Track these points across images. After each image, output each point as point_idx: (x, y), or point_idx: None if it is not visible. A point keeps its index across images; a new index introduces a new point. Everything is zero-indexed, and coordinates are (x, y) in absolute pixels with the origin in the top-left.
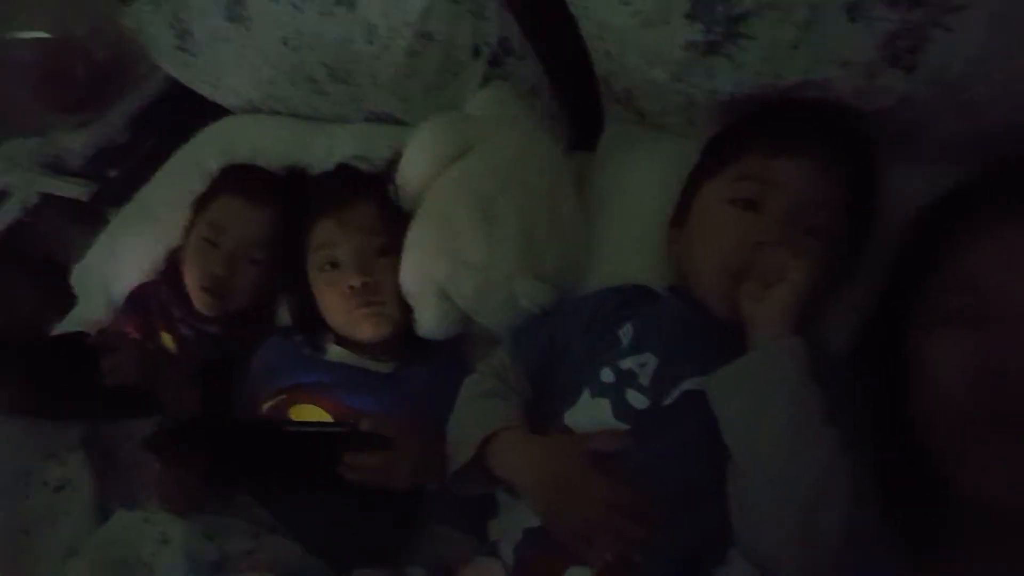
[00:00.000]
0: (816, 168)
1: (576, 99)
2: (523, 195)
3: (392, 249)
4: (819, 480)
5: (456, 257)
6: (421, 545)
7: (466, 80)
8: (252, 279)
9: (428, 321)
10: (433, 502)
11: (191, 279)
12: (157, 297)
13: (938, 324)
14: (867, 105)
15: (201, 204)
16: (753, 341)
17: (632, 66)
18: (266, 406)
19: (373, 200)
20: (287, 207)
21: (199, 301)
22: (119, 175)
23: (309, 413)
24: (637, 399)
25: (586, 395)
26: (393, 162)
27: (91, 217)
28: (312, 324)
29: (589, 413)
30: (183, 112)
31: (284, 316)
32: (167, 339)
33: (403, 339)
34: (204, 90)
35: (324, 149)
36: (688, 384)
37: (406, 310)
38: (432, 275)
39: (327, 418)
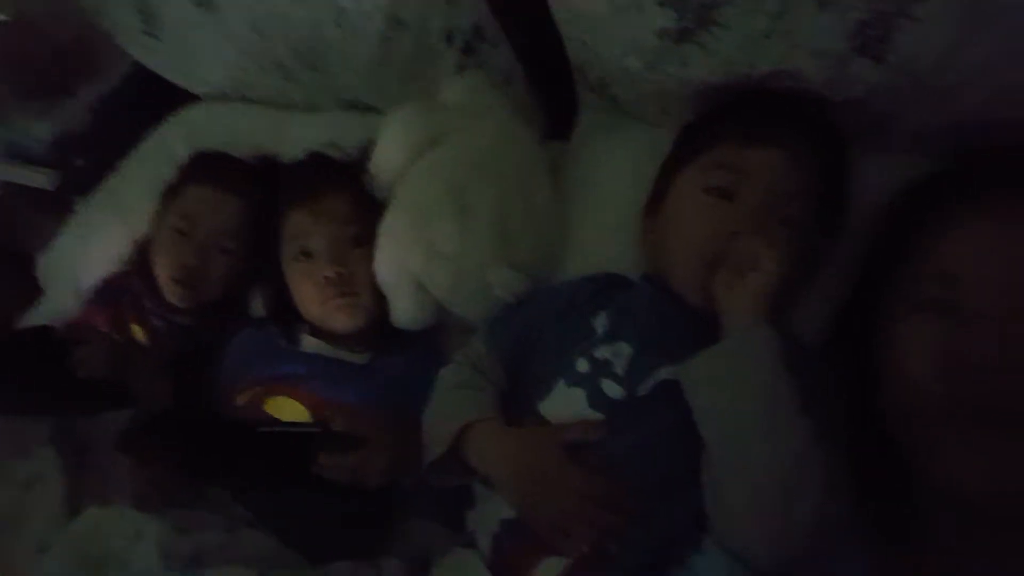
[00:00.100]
0: (789, 158)
1: (550, 88)
2: (497, 184)
3: (366, 239)
4: (792, 469)
5: (430, 247)
6: (398, 537)
7: (439, 68)
8: (224, 269)
9: (403, 311)
10: (409, 494)
11: (162, 270)
12: (127, 288)
13: (909, 313)
14: (838, 95)
15: (170, 193)
16: (726, 330)
17: (606, 54)
18: (240, 399)
19: (346, 189)
20: (259, 196)
21: (171, 292)
22: (85, 164)
23: (284, 406)
24: (612, 389)
25: (561, 385)
26: (366, 150)
27: (57, 207)
28: (286, 315)
29: (564, 403)
30: (150, 99)
31: (258, 307)
32: (138, 331)
33: (378, 330)
34: (171, 76)
35: (296, 137)
36: (663, 373)
37: (381, 300)
38: (407, 265)
39: (302, 411)
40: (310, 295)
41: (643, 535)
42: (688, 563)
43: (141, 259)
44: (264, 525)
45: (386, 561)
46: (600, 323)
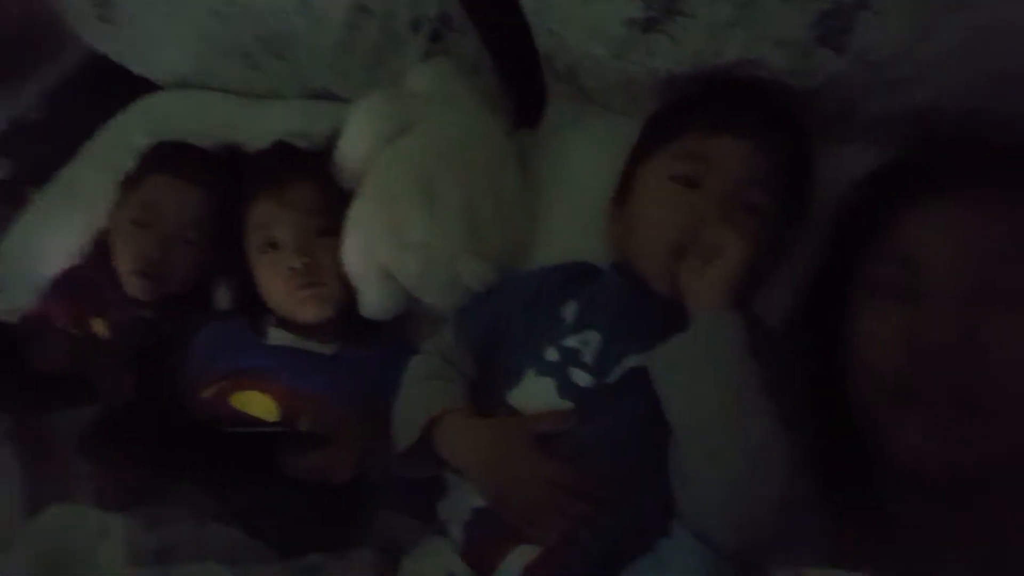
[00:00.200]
0: (754, 146)
1: (519, 76)
2: (465, 173)
3: (333, 228)
4: (756, 452)
5: (398, 235)
6: (369, 528)
7: (406, 56)
8: (187, 261)
9: (372, 301)
10: (379, 486)
11: (123, 263)
12: (86, 281)
13: (870, 297)
14: (801, 84)
15: (130, 184)
16: (692, 317)
17: (574, 43)
18: (206, 393)
19: (312, 178)
20: (222, 186)
21: (132, 285)
22: (39, 152)
23: (251, 399)
24: (581, 377)
25: (530, 374)
26: (332, 139)
27: (11, 197)
28: (252, 307)
29: (533, 392)
30: (109, 86)
31: (224, 300)
32: (99, 325)
33: (346, 320)
34: (128, 63)
35: (261, 126)
36: (632, 360)
37: (349, 291)
38: (375, 254)
39: (270, 404)
40: (276, 286)
41: (613, 522)
42: (656, 546)
43: (100, 251)
44: (233, 519)
45: (357, 552)
46: (569, 312)
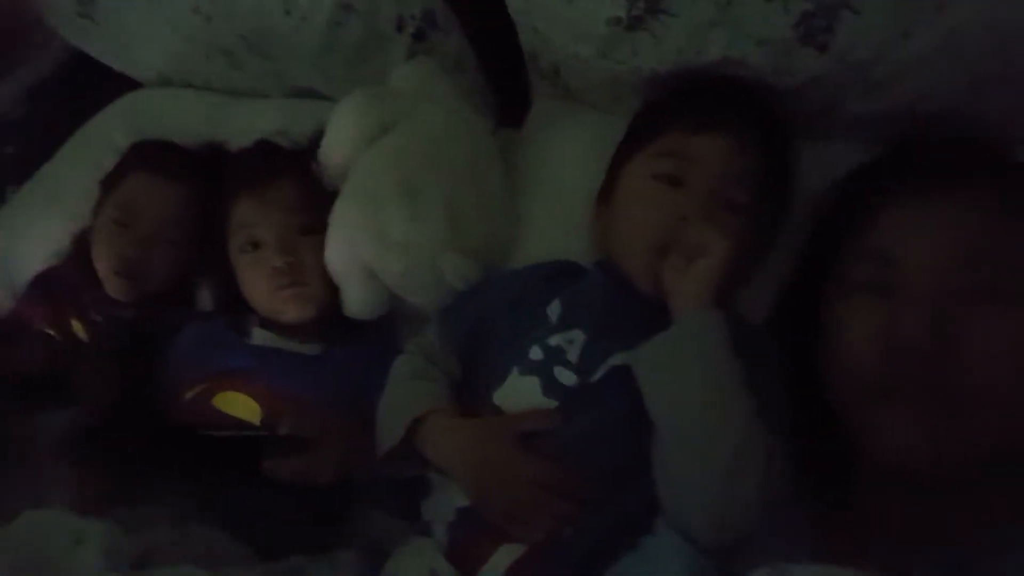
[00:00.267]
0: (736, 144)
1: (503, 75)
2: (448, 171)
3: (316, 228)
4: (736, 448)
5: (382, 234)
6: (352, 529)
7: (390, 54)
8: (168, 261)
9: (355, 300)
10: (363, 486)
11: (102, 263)
12: (65, 282)
13: (848, 293)
14: (783, 83)
15: (110, 183)
16: (675, 316)
17: (558, 42)
18: (189, 395)
19: (295, 177)
20: (204, 185)
21: (112, 286)
22: (16, 151)
23: (234, 400)
24: (566, 376)
25: (515, 373)
26: (315, 138)
27: None
28: (235, 307)
29: (518, 391)
30: (87, 84)
31: (206, 300)
32: (78, 327)
33: (329, 320)
34: (110, 61)
35: (243, 125)
36: (616, 359)
37: (332, 290)
38: (358, 253)
39: (253, 405)
40: (259, 286)
41: (597, 521)
42: (639, 543)
43: (80, 251)
44: (214, 521)
45: (341, 553)
46: (553, 311)
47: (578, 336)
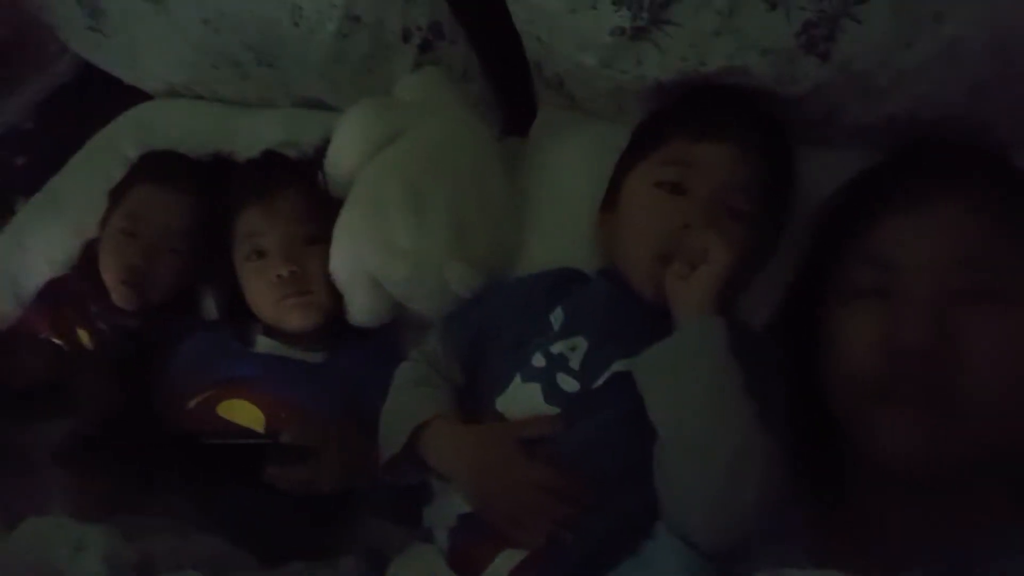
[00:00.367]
0: (738, 152)
1: (508, 84)
2: (453, 180)
3: (321, 237)
4: (737, 453)
5: (386, 243)
6: (354, 535)
7: (397, 65)
8: (173, 270)
9: (359, 308)
10: (365, 492)
11: (108, 272)
12: (72, 291)
13: (848, 298)
14: (786, 91)
15: (118, 193)
16: (678, 323)
17: (562, 51)
18: (193, 403)
19: (301, 187)
20: (210, 195)
21: (118, 295)
22: (27, 163)
23: (238, 409)
24: (568, 383)
25: (517, 380)
26: (321, 148)
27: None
28: (239, 316)
29: (520, 398)
30: (97, 97)
31: (211, 309)
32: (83, 336)
33: (334, 328)
34: (120, 73)
35: (250, 135)
36: (618, 365)
37: (336, 298)
38: (363, 261)
39: (256, 413)
40: (263, 294)
41: (598, 525)
42: (640, 548)
43: (88, 261)
44: (215, 527)
45: (342, 560)
46: (556, 318)
47: (581, 343)
